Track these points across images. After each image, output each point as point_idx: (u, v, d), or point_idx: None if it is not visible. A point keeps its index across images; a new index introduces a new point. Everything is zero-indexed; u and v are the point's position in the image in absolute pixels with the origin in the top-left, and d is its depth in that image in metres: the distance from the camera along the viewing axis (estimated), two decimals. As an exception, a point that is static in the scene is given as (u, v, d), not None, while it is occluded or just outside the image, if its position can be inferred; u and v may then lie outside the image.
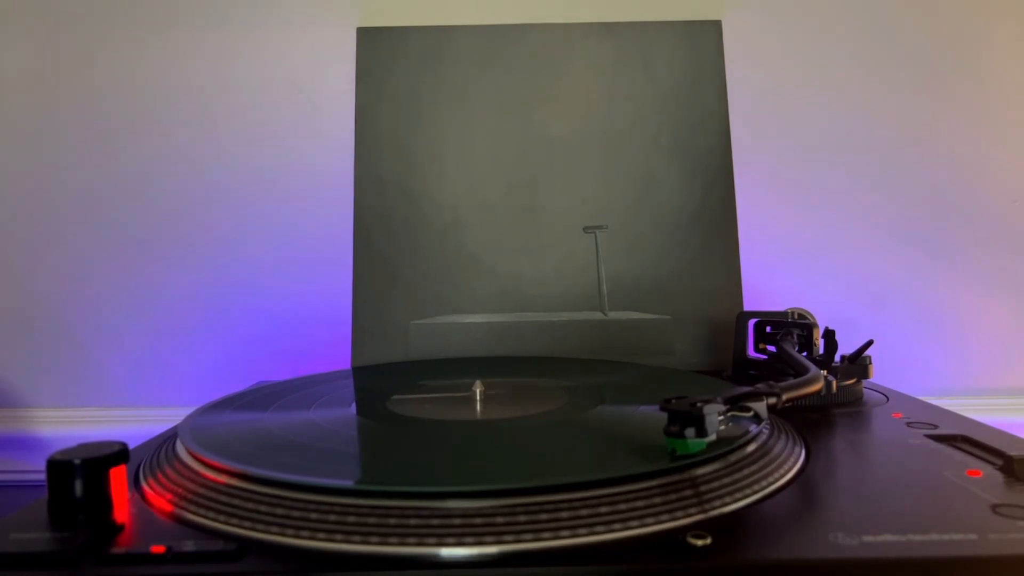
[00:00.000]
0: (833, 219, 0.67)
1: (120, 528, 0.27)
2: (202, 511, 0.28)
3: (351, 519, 0.26)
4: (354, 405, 0.43)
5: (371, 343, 0.61)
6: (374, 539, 0.25)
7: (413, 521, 0.25)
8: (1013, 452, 0.32)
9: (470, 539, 0.25)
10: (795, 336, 0.49)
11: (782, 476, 0.31)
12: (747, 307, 0.61)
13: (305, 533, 0.26)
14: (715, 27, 0.65)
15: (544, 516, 0.26)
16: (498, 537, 0.25)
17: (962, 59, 0.66)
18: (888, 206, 0.67)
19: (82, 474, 0.27)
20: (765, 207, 0.66)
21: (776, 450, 0.33)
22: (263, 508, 0.27)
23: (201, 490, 0.29)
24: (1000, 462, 0.32)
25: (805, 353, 0.48)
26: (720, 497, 0.28)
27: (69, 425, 0.68)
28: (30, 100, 0.67)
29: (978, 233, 0.67)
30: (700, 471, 0.29)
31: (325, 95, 0.67)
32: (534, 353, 0.61)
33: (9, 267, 0.67)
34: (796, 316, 0.51)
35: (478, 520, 0.25)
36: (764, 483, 0.30)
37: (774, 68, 0.67)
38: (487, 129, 0.64)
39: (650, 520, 0.26)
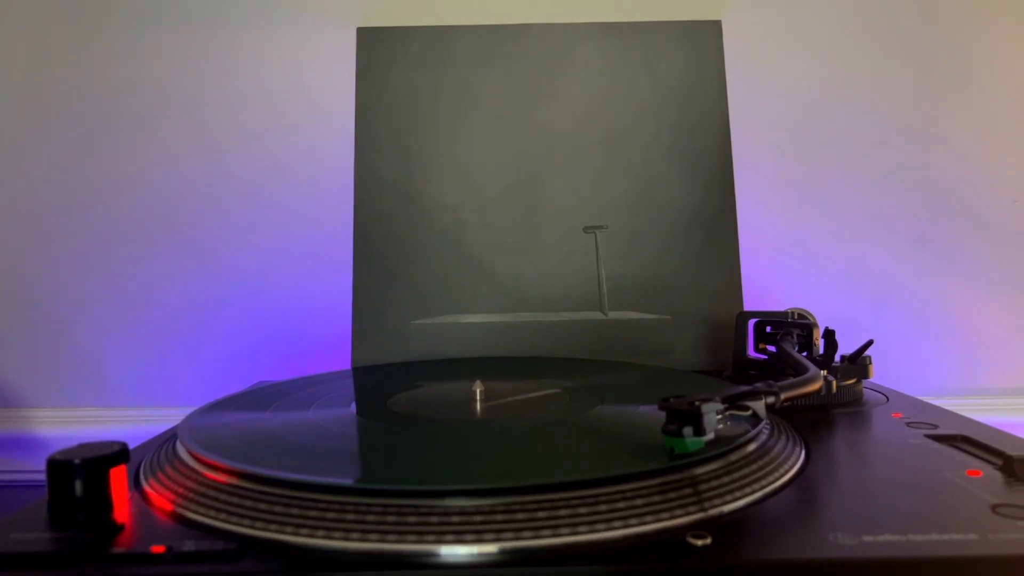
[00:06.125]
0: (833, 218, 0.67)
1: (120, 528, 0.27)
2: (202, 511, 0.28)
3: (351, 518, 0.26)
4: (354, 405, 0.43)
5: (371, 343, 0.61)
6: (374, 537, 0.25)
7: (413, 519, 0.25)
8: (1013, 452, 0.32)
9: (470, 538, 0.25)
10: (795, 336, 0.49)
11: (782, 476, 0.31)
12: (747, 307, 0.61)
13: (305, 532, 0.26)
14: (715, 27, 0.65)
15: (544, 515, 0.26)
16: (498, 536, 0.25)
17: (963, 59, 0.66)
18: (888, 206, 0.67)
19: (82, 474, 0.27)
20: (765, 207, 0.66)
21: (776, 450, 0.33)
22: (263, 507, 0.27)
23: (201, 490, 0.29)
24: (1000, 462, 0.32)
25: (805, 353, 0.48)
26: (720, 497, 0.28)
27: (69, 425, 0.68)
28: (30, 101, 0.67)
29: (978, 233, 0.67)
30: (700, 470, 0.29)
31: (325, 95, 0.67)
32: (534, 353, 0.61)
33: (9, 267, 0.67)
34: (796, 316, 0.51)
35: (478, 519, 0.25)
36: (764, 483, 0.30)
37: (774, 68, 0.67)
38: (487, 129, 0.64)
39: (650, 520, 0.26)
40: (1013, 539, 0.25)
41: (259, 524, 0.26)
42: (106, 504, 0.27)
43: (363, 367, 0.60)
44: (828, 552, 0.24)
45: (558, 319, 0.62)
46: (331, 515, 0.26)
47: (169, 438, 0.37)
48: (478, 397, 0.43)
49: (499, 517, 0.26)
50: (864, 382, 0.48)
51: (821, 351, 0.48)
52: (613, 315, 0.62)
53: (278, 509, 0.27)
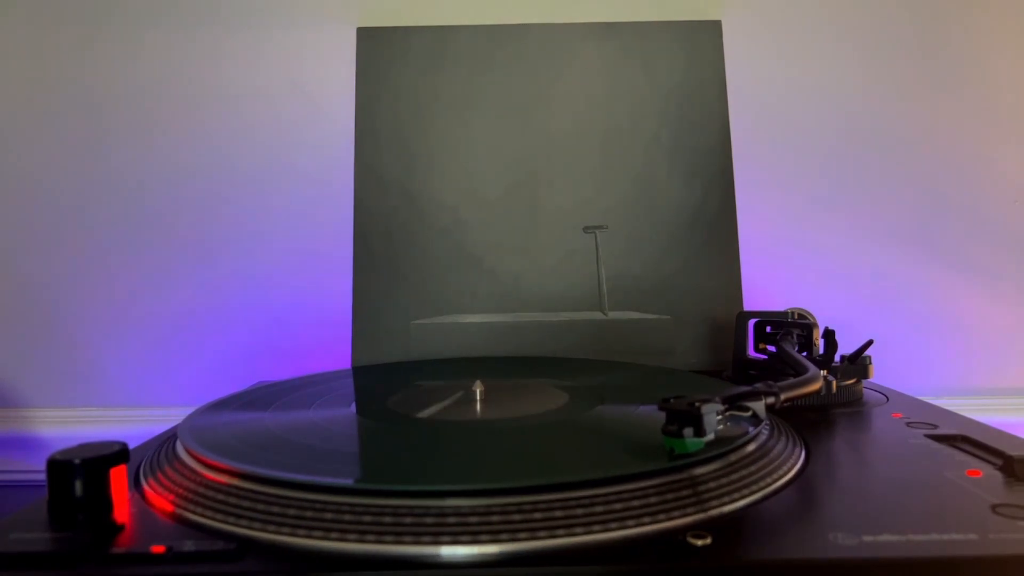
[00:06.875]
0: (833, 219, 0.67)
1: (120, 528, 0.27)
2: (202, 511, 0.28)
3: (351, 518, 0.26)
4: (354, 405, 0.43)
5: (371, 343, 0.61)
6: (374, 538, 0.25)
7: (413, 520, 0.25)
8: (1013, 452, 0.32)
9: (470, 538, 0.25)
10: (795, 336, 0.49)
11: (782, 476, 0.31)
12: (747, 307, 0.61)
13: (305, 532, 0.26)
14: (715, 27, 0.65)
15: (544, 516, 0.26)
16: (498, 536, 0.25)
17: (962, 58, 0.66)
18: (888, 206, 0.67)
19: (82, 474, 0.27)
20: (765, 207, 0.66)
21: (776, 450, 0.33)
22: (263, 507, 0.27)
23: (201, 490, 0.29)
24: (1000, 462, 0.32)
25: (805, 353, 0.48)
26: (720, 497, 0.28)
27: (69, 425, 0.68)
28: (30, 100, 0.67)
29: (978, 233, 0.67)
30: (700, 471, 0.29)
31: (325, 95, 0.67)
32: (534, 353, 0.61)
33: (9, 267, 0.67)
34: (796, 316, 0.51)
35: (478, 519, 0.25)
36: (764, 483, 0.30)
37: (774, 68, 0.67)
38: (487, 129, 0.64)
39: (650, 520, 0.26)
40: (1013, 539, 0.25)
41: (247, 524, 0.26)
42: (106, 504, 0.27)
43: (363, 367, 0.60)
44: (828, 552, 0.24)
45: (558, 319, 0.62)
46: (330, 516, 0.26)
47: (169, 438, 0.37)
48: (478, 397, 0.43)
49: (499, 518, 0.26)
50: (864, 382, 0.48)
51: (821, 351, 0.48)
52: (613, 315, 0.62)
53: (278, 509, 0.27)
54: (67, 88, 0.66)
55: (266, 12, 0.66)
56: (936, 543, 0.24)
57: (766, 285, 0.66)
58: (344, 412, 0.41)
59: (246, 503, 0.27)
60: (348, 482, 0.28)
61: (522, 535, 0.25)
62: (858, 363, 0.47)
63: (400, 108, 0.64)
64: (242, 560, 0.24)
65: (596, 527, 0.25)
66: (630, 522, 0.26)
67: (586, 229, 0.63)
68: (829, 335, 0.48)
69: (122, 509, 0.28)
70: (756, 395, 0.32)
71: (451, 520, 0.25)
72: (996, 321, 0.67)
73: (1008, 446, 0.34)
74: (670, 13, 0.66)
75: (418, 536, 0.25)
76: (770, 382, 0.34)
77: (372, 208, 0.63)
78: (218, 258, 0.67)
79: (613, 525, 0.26)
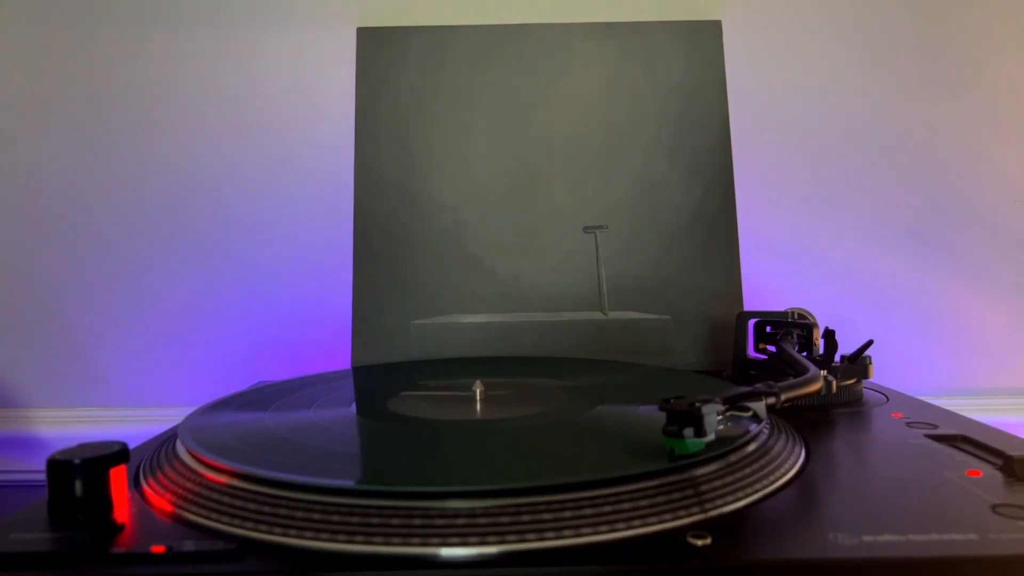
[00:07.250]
0: (833, 219, 0.67)
1: (120, 528, 0.27)
2: (202, 511, 0.28)
3: (351, 519, 0.26)
4: (354, 405, 0.43)
5: (371, 343, 0.61)
6: (374, 539, 0.25)
7: (413, 521, 0.25)
8: (1013, 452, 0.32)
9: (470, 539, 0.25)
10: (795, 336, 0.49)
11: (782, 476, 0.31)
12: (747, 307, 0.61)
13: (305, 533, 0.26)
14: (715, 27, 0.65)
15: (544, 516, 0.26)
16: (498, 537, 0.25)
17: (962, 58, 0.66)
18: (888, 206, 0.67)
19: (82, 474, 0.27)
20: (765, 207, 0.66)
21: (776, 450, 0.33)
22: (263, 508, 0.27)
23: (201, 490, 0.29)
24: (1000, 462, 0.32)
25: (805, 353, 0.48)
26: (720, 497, 0.28)
27: (69, 425, 0.68)
28: (31, 100, 0.67)
29: (978, 233, 0.67)
30: (700, 471, 0.29)
31: (325, 95, 0.67)
32: (534, 353, 0.61)
33: (9, 267, 0.67)
34: (796, 316, 0.51)
35: (478, 520, 0.25)
36: (764, 483, 0.30)
37: (774, 68, 0.67)
38: (487, 129, 0.64)
39: (650, 520, 0.26)
40: (1013, 539, 0.25)
41: (247, 524, 0.26)
42: (106, 504, 0.27)
43: (363, 367, 0.60)
44: (828, 552, 0.24)
45: (558, 319, 0.62)
46: (331, 517, 0.26)
47: (169, 438, 0.37)
48: (478, 397, 0.43)
49: (500, 519, 0.25)
50: (864, 382, 0.48)
51: (821, 351, 0.48)
52: (613, 315, 0.62)
53: (274, 510, 0.27)
54: (68, 88, 0.66)
55: (266, 12, 0.66)
56: (936, 543, 0.24)
57: (766, 285, 0.66)
58: (344, 412, 0.41)
59: (246, 503, 0.27)
60: (348, 483, 0.28)
61: (522, 535, 0.25)
62: (858, 363, 0.47)
63: (400, 108, 0.64)
64: (242, 560, 0.24)
65: (597, 527, 0.25)
66: (630, 522, 0.26)
67: (586, 229, 0.63)
68: (829, 335, 0.48)
69: (122, 509, 0.28)
70: (756, 395, 0.32)
71: (451, 520, 0.25)
72: (996, 321, 0.67)
73: (1008, 446, 0.34)
74: (670, 13, 0.66)
75: (418, 537, 0.25)
76: (770, 382, 0.34)
77: (372, 208, 0.63)
78: (218, 258, 0.67)
79: (613, 525, 0.26)
